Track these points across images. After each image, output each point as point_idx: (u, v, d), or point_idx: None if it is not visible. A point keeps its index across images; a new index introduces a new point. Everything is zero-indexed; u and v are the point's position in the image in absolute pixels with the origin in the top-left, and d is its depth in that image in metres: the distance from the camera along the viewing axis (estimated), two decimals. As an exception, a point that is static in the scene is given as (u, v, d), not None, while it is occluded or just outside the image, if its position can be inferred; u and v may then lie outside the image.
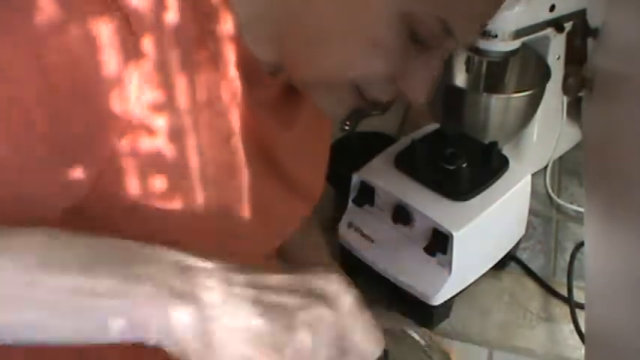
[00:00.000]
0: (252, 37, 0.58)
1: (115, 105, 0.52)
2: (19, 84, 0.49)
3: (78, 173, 0.53)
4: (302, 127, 0.69)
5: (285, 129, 0.67)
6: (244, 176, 0.66)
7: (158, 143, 0.56)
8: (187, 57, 0.55)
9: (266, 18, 0.57)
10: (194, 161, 0.60)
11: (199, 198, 0.62)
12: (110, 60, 0.51)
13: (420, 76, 0.56)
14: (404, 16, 0.51)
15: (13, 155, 0.50)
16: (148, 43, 0.52)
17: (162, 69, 0.54)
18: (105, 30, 0.50)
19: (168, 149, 0.57)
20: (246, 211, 0.69)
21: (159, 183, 0.58)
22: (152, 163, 0.56)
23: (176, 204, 0.60)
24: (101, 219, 0.57)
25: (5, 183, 0.50)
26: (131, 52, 0.51)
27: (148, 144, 0.55)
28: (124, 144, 0.54)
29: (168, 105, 0.56)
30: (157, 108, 0.55)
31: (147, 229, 0.60)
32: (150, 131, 0.55)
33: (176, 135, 0.57)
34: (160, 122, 0.55)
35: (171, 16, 0.53)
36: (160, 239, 0.60)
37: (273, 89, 0.63)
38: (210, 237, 0.66)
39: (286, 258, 0.90)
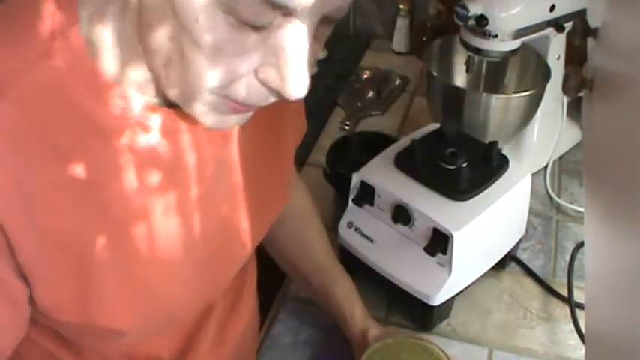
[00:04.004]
0: None
1: (114, 104, 0.53)
2: None
3: None
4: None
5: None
6: (239, 174, 0.67)
7: (152, 140, 0.57)
8: None
9: None
10: (191, 158, 0.60)
11: (194, 192, 0.62)
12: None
13: (279, 64, 0.49)
14: (221, 6, 0.46)
15: None
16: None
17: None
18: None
19: (162, 145, 0.57)
20: (241, 208, 0.70)
21: (154, 177, 0.58)
22: (148, 159, 0.57)
23: (170, 198, 0.60)
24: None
25: None
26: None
27: (143, 140, 0.56)
28: (122, 141, 0.54)
29: (163, 105, 0.56)
30: (153, 108, 0.56)
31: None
32: (145, 128, 0.56)
33: (171, 133, 0.57)
34: (156, 121, 0.56)
35: None
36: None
37: None
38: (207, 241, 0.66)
39: (286, 253, 0.90)
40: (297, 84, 0.49)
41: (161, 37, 0.49)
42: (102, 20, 0.53)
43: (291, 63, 0.49)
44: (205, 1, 0.45)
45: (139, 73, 0.54)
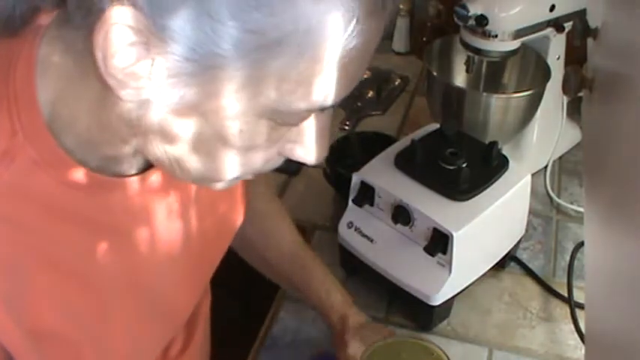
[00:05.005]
0: None
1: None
2: None
3: None
4: None
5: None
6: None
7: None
8: None
9: None
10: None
11: (193, 191, 0.63)
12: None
13: (306, 141, 0.52)
14: (265, 114, 0.46)
15: None
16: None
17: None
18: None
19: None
20: (240, 205, 0.70)
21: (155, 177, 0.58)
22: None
23: (172, 198, 0.60)
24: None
25: None
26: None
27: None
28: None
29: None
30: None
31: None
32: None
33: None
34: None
35: None
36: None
37: None
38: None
39: (258, 250, 0.87)
40: (322, 152, 0.53)
41: (178, 139, 0.47)
42: (71, 105, 0.49)
43: (318, 139, 0.52)
44: (245, 114, 0.45)
45: (116, 152, 0.52)
